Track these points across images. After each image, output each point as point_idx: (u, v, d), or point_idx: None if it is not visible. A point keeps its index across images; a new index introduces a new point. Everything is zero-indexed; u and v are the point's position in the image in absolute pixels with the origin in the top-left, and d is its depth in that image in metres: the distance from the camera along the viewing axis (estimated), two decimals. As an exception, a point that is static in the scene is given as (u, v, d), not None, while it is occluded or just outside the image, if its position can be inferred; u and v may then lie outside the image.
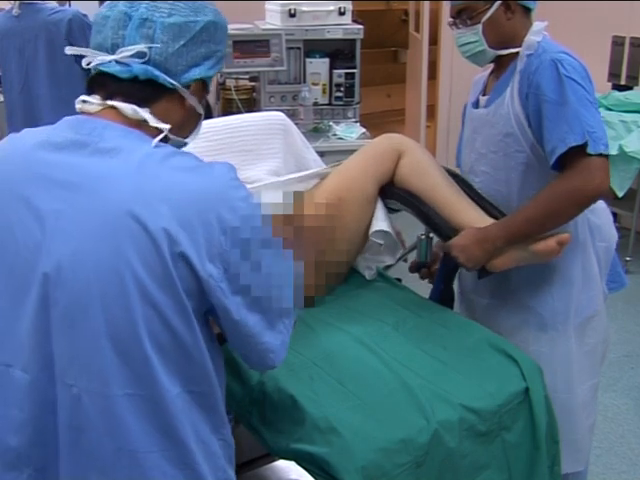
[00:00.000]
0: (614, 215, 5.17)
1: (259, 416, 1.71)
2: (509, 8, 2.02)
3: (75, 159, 1.20)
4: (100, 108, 1.26)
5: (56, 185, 1.19)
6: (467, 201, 2.11)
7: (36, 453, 1.23)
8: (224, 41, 1.35)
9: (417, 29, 6.72)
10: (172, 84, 1.27)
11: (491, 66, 2.21)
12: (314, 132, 4.10)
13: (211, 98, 4.14)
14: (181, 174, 1.19)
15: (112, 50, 1.26)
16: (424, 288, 2.24)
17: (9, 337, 1.22)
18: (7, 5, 4.13)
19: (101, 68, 1.26)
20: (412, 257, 2.31)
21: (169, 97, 1.29)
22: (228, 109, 4.12)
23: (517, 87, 2.00)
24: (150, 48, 1.24)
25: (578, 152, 1.88)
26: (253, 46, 3.94)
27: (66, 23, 3.93)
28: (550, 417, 1.80)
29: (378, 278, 2.23)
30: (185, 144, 1.38)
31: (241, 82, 4.34)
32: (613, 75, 5.05)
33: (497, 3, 2.01)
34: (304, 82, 4.20)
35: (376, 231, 2.13)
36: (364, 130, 4.15)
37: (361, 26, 4.21)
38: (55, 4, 4.19)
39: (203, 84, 1.34)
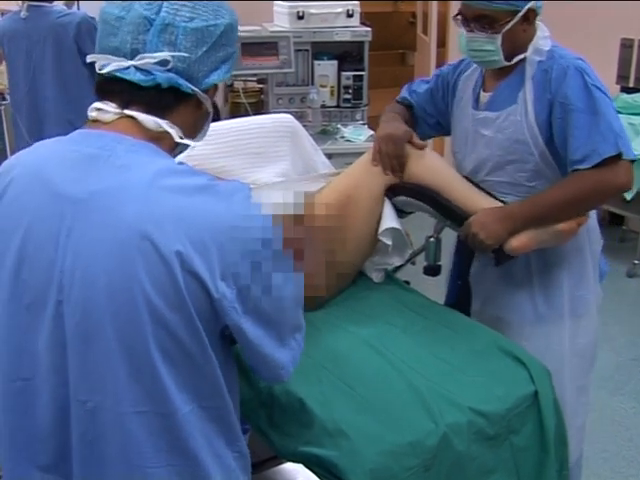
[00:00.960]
0: (622, 218, 5.20)
1: (267, 419, 1.70)
2: (527, 19, 2.00)
3: (86, 175, 1.18)
4: (116, 118, 1.23)
5: (67, 201, 1.18)
6: (481, 193, 2.12)
7: (62, 467, 1.24)
8: (236, 41, 1.32)
9: (425, 31, 6.72)
10: (193, 90, 1.25)
11: None
12: (322, 134, 4.10)
13: (219, 100, 4.15)
14: (194, 194, 1.17)
15: (131, 56, 1.21)
16: (433, 291, 2.24)
17: (27, 352, 1.22)
18: (14, 7, 4.14)
19: (118, 74, 1.21)
20: (420, 260, 2.30)
21: (187, 103, 1.27)
22: (236, 111, 4.12)
23: (531, 94, 2.00)
24: (173, 56, 1.21)
25: (609, 157, 1.94)
26: (261, 48, 3.94)
27: (75, 26, 3.94)
28: (559, 420, 1.79)
29: (386, 280, 2.22)
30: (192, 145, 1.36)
31: (249, 84, 4.35)
32: (621, 77, 5.05)
33: (519, 15, 1.97)
34: (312, 84, 4.20)
35: (385, 229, 2.12)
36: (372, 132, 4.14)
37: (369, 28, 4.21)
38: (63, 7, 4.20)
39: (215, 86, 1.32)
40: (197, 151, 1.36)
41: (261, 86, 4.33)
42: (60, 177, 1.20)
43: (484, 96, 2.17)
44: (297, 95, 4.19)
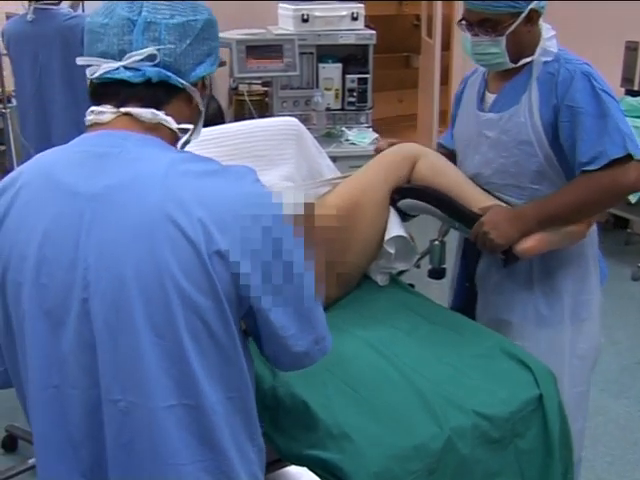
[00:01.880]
0: (626, 221, 5.20)
1: (271, 422, 1.70)
2: (530, 20, 2.01)
3: (98, 171, 1.20)
4: (114, 117, 1.25)
5: (82, 198, 1.18)
6: (488, 195, 2.12)
7: (97, 472, 1.24)
8: (218, 37, 1.36)
9: (429, 34, 6.72)
10: (182, 84, 1.28)
11: None
12: (326, 137, 4.11)
13: (223, 103, 4.15)
14: (210, 177, 1.20)
15: (119, 56, 1.24)
16: (437, 294, 2.24)
17: (53, 359, 1.22)
18: (20, 9, 4.15)
19: (109, 76, 1.25)
20: (424, 264, 2.31)
21: (178, 97, 1.29)
22: (240, 114, 4.13)
23: (537, 96, 2.01)
24: (159, 50, 1.24)
25: (617, 158, 1.94)
26: (266, 51, 3.94)
27: (82, 29, 3.94)
28: (563, 424, 1.79)
29: (391, 284, 2.22)
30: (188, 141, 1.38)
31: (254, 87, 4.36)
32: (626, 80, 5.05)
33: (522, 16, 1.98)
34: (317, 87, 4.21)
35: (390, 239, 2.13)
36: (376, 135, 4.15)
37: (374, 31, 4.21)
38: (69, 9, 4.21)
39: (203, 82, 1.35)
40: (202, 153, 1.36)
41: (266, 89, 4.34)
42: (71, 176, 1.21)
43: (489, 97, 2.18)
44: (302, 98, 4.20)
